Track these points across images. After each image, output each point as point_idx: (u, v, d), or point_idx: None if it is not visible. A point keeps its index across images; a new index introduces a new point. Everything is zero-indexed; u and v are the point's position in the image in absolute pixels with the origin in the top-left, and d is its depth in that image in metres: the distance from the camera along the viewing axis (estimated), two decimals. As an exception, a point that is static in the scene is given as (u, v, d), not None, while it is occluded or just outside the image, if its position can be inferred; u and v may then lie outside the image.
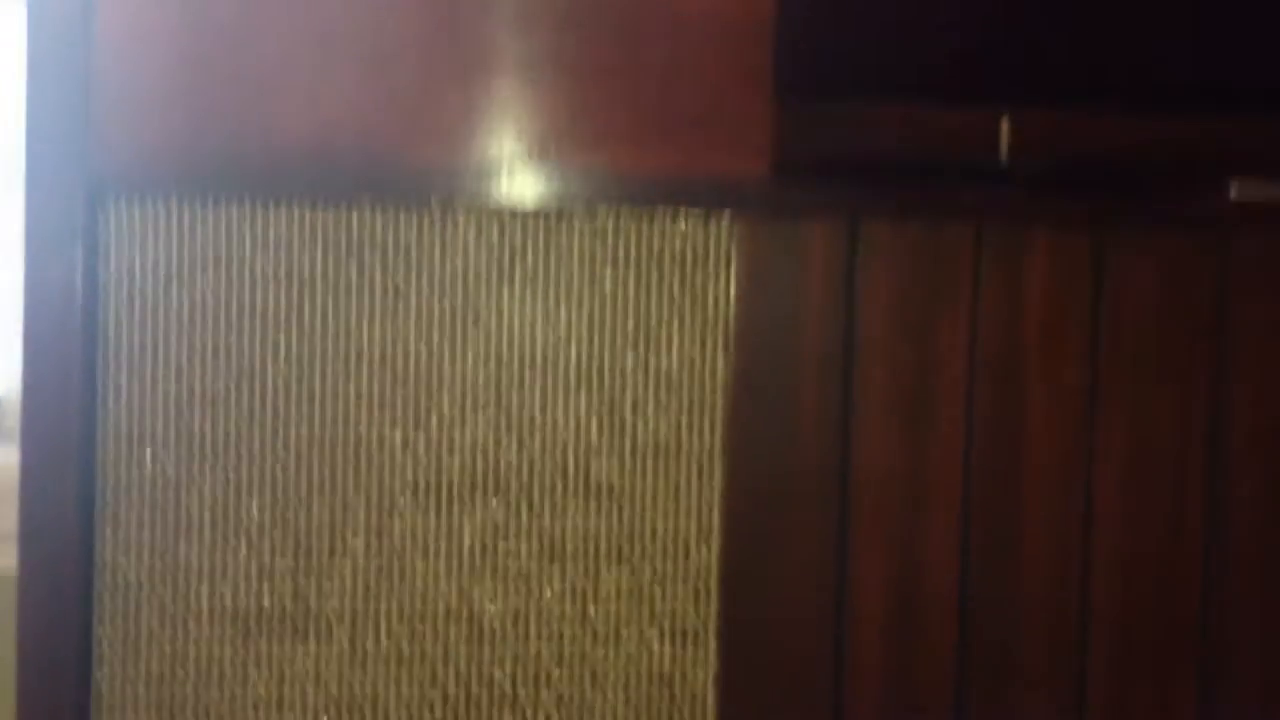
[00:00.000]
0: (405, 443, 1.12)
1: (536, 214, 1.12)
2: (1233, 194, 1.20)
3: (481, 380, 1.13)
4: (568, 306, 1.13)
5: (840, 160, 1.29)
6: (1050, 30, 1.59)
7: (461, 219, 1.12)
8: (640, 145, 1.12)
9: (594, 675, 1.13)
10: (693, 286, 1.14)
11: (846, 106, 1.48)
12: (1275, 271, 1.21)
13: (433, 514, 1.12)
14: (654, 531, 1.14)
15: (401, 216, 1.11)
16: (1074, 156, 1.41)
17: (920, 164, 1.32)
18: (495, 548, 1.13)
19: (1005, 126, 1.36)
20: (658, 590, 1.14)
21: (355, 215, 1.11)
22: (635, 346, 1.14)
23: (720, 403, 1.14)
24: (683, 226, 1.14)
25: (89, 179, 1.08)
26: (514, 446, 1.13)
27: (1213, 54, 1.60)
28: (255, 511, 1.11)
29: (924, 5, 1.58)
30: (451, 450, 1.13)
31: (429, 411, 1.12)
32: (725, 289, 1.14)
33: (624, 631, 1.13)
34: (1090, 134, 1.43)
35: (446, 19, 1.10)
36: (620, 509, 1.14)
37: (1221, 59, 1.61)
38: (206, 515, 1.11)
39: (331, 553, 1.11)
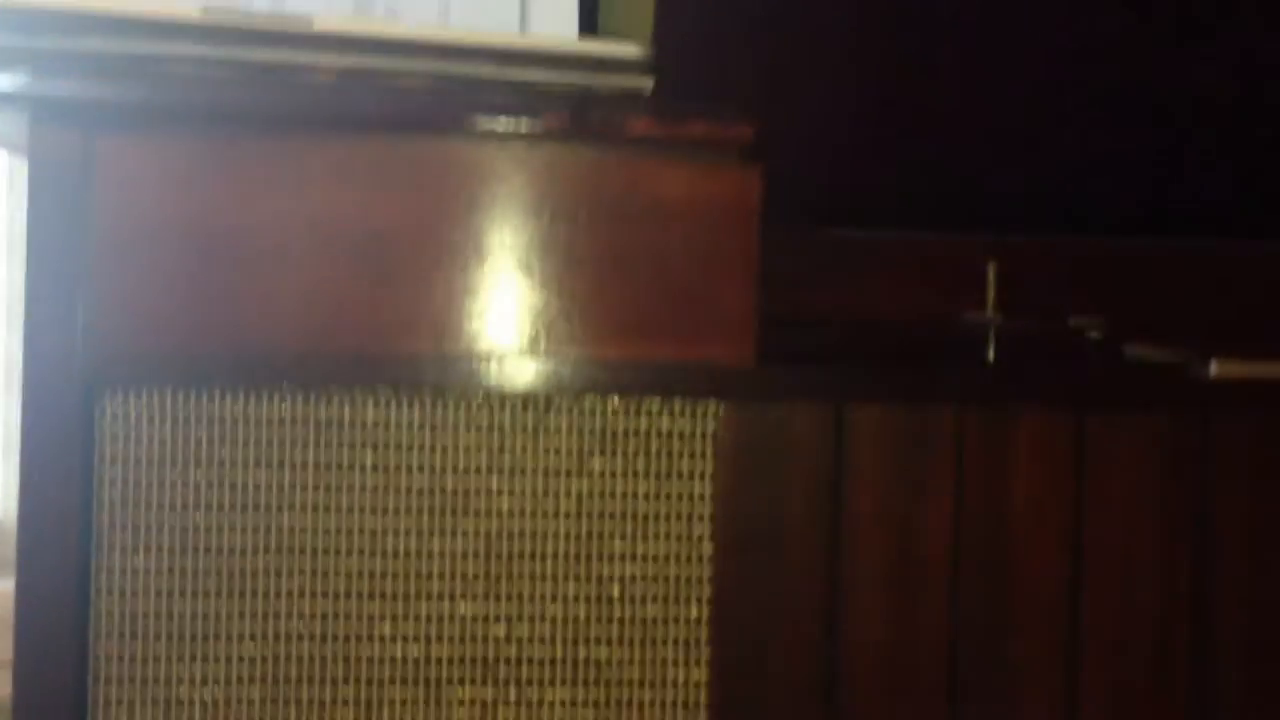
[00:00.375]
0: (395, 626, 1.13)
1: (526, 401, 1.14)
2: (1212, 371, 1.22)
3: (471, 563, 1.14)
4: (556, 491, 1.15)
5: (827, 316, 1.32)
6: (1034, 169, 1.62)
7: (452, 405, 1.14)
8: (627, 334, 1.14)
9: None
10: (679, 471, 1.16)
11: (839, 236, 1.51)
12: (1256, 447, 1.23)
13: (422, 697, 1.14)
14: (642, 713, 1.15)
15: (392, 403, 1.13)
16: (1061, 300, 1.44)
17: (908, 329, 1.35)
18: (484, 730, 1.14)
19: (992, 271, 1.39)
20: (645, 774, 1.15)
21: (347, 402, 1.13)
22: (622, 530, 1.15)
23: (707, 585, 1.16)
24: (670, 413, 1.16)
25: (85, 371, 1.09)
26: (503, 628, 1.15)
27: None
28: (245, 698, 1.12)
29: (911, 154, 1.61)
30: (440, 634, 1.14)
31: (418, 595, 1.14)
32: (711, 474, 1.16)
33: (611, 816, 1.14)
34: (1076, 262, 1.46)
35: (436, 211, 1.12)
36: (608, 690, 1.15)
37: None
38: (197, 701, 1.12)
39: (322, 741, 1.13)
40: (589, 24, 1.49)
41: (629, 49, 1.33)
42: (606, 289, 1.13)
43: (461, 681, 1.14)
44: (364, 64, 1.31)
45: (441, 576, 1.14)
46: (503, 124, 1.10)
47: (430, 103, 1.12)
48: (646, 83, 1.32)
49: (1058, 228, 1.61)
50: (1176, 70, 1.57)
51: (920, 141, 1.58)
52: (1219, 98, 1.60)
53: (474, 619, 1.14)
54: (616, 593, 1.15)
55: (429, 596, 1.14)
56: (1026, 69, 1.56)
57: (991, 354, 1.35)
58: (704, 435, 1.16)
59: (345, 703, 1.13)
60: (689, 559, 1.16)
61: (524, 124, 1.10)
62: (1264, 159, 1.63)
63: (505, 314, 1.12)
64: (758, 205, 1.14)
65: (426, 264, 1.12)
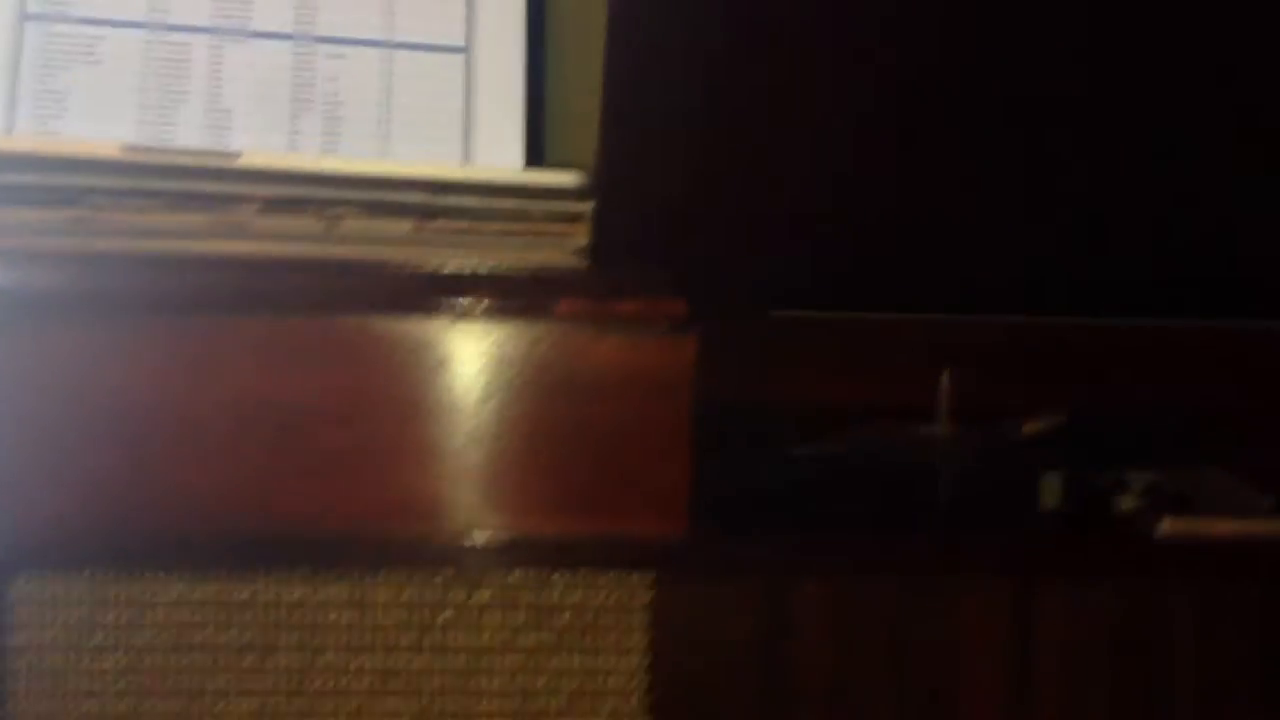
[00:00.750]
0: (319, 808, 1.11)
1: (454, 576, 1.11)
2: (1161, 530, 1.19)
3: (398, 742, 1.12)
4: (487, 668, 1.12)
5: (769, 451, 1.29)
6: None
7: (379, 582, 1.11)
8: (558, 508, 1.11)
9: None
10: (612, 646, 1.13)
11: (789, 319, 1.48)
12: (1207, 609, 1.20)
13: None
14: None
15: (316, 581, 1.10)
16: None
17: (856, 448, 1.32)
18: None
19: (945, 379, 1.37)
20: None
21: (269, 582, 1.10)
22: (555, 706, 1.13)
23: (641, 760, 1.13)
24: (602, 587, 1.13)
25: (-5, 555, 1.06)
26: (431, 807, 1.12)
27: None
28: None
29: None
30: (367, 816, 1.11)
31: (344, 776, 1.11)
32: (645, 647, 1.13)
33: None
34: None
35: (361, 389, 1.08)
36: None
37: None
38: None
39: None
40: (535, 148, 1.45)
41: (566, 177, 1.30)
42: (537, 462, 1.10)
43: None
44: (293, 194, 1.27)
45: (367, 757, 1.11)
46: (427, 304, 1.06)
47: (352, 283, 1.09)
48: (585, 207, 1.29)
49: (1011, 309, 1.58)
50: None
51: (870, 228, 1.56)
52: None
53: (401, 799, 1.11)
54: (548, 769, 1.13)
55: (355, 777, 1.11)
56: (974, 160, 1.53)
57: (945, 473, 1.32)
58: (637, 609, 1.13)
59: None
60: (623, 734, 1.13)
61: (450, 304, 1.07)
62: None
63: (433, 489, 1.09)
64: (689, 375, 1.10)
65: (351, 441, 1.08)
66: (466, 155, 1.49)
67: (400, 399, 1.08)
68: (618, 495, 1.10)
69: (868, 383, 1.52)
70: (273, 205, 1.26)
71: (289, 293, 1.07)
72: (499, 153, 1.50)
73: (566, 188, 1.29)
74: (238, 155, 1.26)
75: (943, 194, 1.54)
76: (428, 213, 1.29)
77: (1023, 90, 1.47)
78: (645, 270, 1.11)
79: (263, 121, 1.47)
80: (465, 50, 1.52)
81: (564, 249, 1.31)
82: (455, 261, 1.10)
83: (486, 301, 1.07)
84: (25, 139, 1.26)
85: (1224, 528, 1.19)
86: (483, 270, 1.09)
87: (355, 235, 1.29)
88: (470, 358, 1.08)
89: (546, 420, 1.09)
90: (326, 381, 1.07)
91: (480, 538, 1.09)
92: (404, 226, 1.29)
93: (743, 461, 1.32)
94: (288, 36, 1.49)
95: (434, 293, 1.06)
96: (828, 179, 1.51)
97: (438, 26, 1.52)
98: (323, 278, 1.08)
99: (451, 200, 1.29)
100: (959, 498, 1.26)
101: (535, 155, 1.50)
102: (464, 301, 1.07)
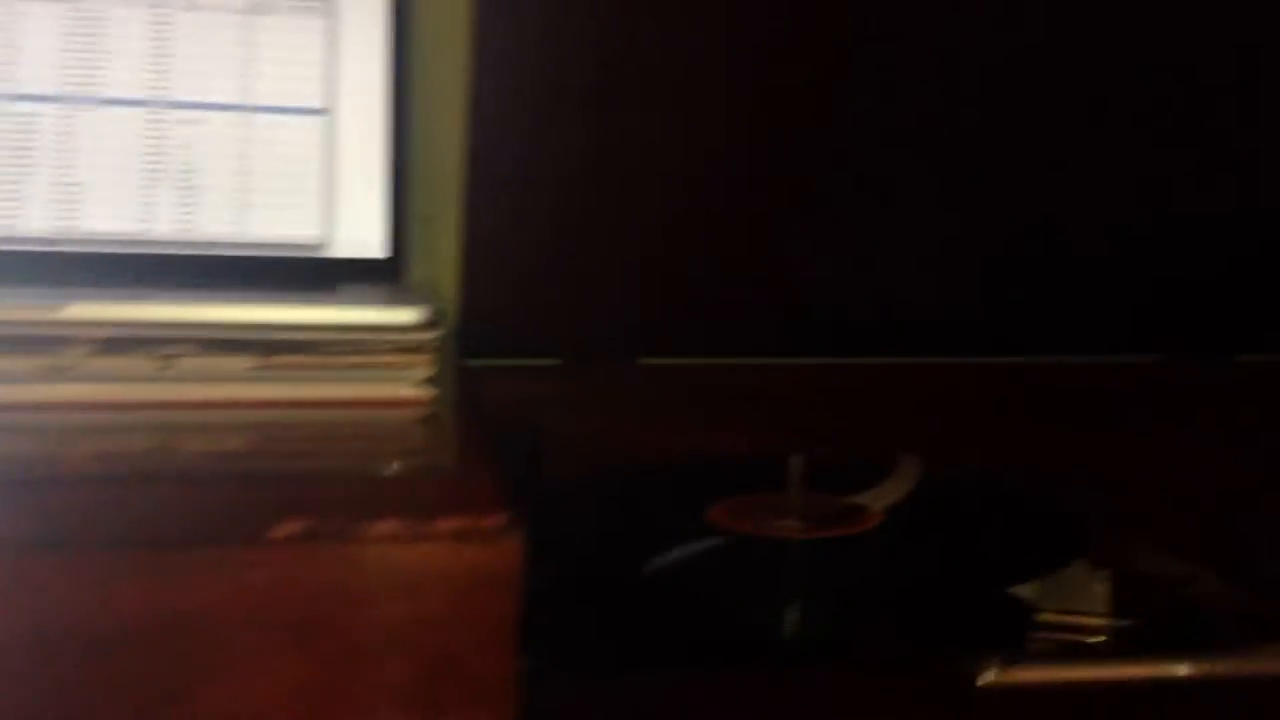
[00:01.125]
0: None
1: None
2: (980, 681, 1.20)
3: None
4: None
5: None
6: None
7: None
8: (377, 711, 1.11)
9: None
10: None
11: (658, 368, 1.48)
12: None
13: None
14: None
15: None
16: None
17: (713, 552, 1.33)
18: None
19: (797, 466, 1.38)
20: None
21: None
22: None
23: None
24: (426, 780, 1.13)
25: None
26: None
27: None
28: None
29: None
30: None
31: None
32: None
33: None
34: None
35: (170, 612, 1.08)
36: None
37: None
38: None
39: None
40: (401, 207, 1.46)
41: (410, 314, 1.28)
42: (356, 667, 1.10)
43: None
44: (126, 335, 1.25)
45: None
46: (235, 532, 1.05)
47: (159, 510, 1.07)
48: (429, 338, 1.28)
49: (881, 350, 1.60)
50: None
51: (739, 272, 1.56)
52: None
53: None
54: None
55: None
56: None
57: (791, 599, 1.33)
58: (464, 800, 1.14)
59: None
60: None
61: (259, 534, 1.05)
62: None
63: (247, 707, 1.09)
64: (516, 574, 1.10)
65: (165, 666, 1.08)
66: (327, 220, 1.47)
67: (213, 620, 1.07)
68: (441, 691, 1.11)
69: (735, 431, 1.54)
70: (105, 346, 1.24)
71: (91, 525, 1.05)
72: (361, 215, 1.49)
73: (410, 323, 1.28)
74: (62, 308, 1.24)
75: (814, 235, 1.53)
76: (268, 349, 1.27)
77: (891, 128, 1.46)
78: (471, 470, 1.10)
79: (115, 193, 1.45)
80: (326, 112, 1.49)
81: (408, 381, 1.30)
82: (256, 485, 1.08)
83: (299, 527, 1.05)
84: None
85: (1049, 675, 1.20)
86: (295, 479, 1.08)
87: (192, 374, 1.28)
88: (284, 578, 1.07)
89: (364, 626, 1.09)
90: (137, 607, 1.06)
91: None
92: (243, 364, 1.27)
93: (587, 587, 1.32)
94: (141, 103, 1.46)
95: (240, 518, 1.05)
96: (697, 222, 1.50)
97: (296, 88, 1.49)
98: (131, 507, 1.07)
99: (292, 336, 1.28)
100: (800, 642, 1.28)
101: (400, 215, 1.49)
102: (276, 529, 1.05)
